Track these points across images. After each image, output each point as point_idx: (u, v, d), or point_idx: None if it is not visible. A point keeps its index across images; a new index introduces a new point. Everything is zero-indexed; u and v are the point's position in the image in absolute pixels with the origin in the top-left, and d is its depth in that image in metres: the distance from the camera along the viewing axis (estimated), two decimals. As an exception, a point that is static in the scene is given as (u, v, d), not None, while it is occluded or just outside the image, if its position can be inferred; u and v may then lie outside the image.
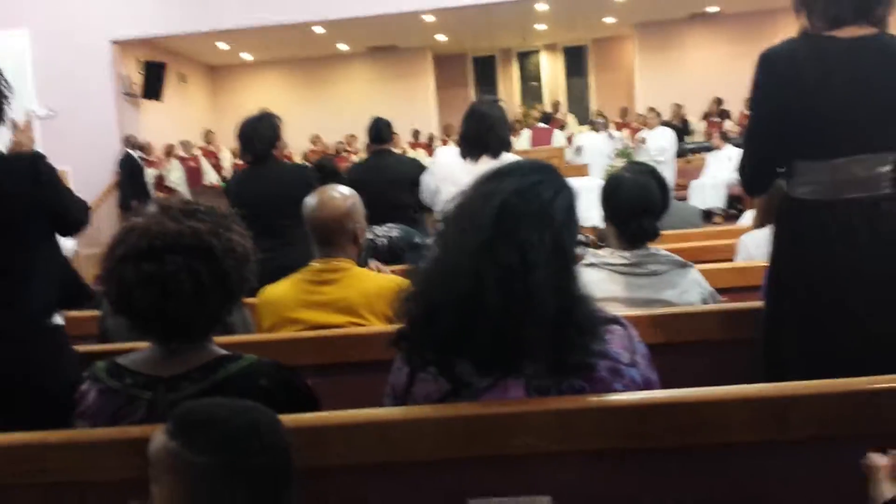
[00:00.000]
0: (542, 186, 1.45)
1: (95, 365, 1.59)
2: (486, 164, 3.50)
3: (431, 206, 3.83)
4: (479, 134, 3.54)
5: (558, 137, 12.12)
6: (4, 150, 2.25)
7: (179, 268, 1.44)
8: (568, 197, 1.48)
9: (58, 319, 2.19)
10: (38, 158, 2.16)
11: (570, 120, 14.87)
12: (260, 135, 3.76)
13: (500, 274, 1.36)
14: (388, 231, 3.93)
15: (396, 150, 5.96)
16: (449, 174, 3.62)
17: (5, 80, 2.17)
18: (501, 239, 1.38)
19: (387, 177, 4.33)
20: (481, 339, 1.38)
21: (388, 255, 3.89)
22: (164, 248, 1.45)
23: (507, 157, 3.58)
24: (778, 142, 2.00)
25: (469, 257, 1.39)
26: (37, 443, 1.47)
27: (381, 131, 4.76)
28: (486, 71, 17.44)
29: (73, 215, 2.25)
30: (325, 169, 5.84)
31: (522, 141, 12.54)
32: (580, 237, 1.53)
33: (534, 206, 1.42)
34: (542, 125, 12.31)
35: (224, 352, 1.59)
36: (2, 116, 2.17)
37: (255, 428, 1.23)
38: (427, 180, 3.71)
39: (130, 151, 11.18)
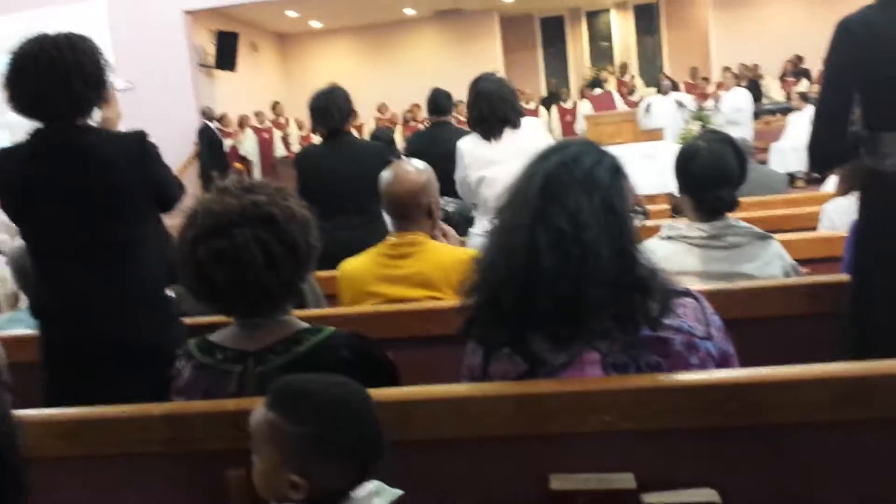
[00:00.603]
0: (584, 156, 1.48)
1: (188, 342, 1.67)
2: (511, 137, 3.48)
3: (471, 199, 3.75)
4: (494, 109, 3.50)
5: (620, 101, 11.88)
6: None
7: (248, 239, 1.51)
8: (611, 162, 1.49)
9: (167, 292, 2.29)
10: (144, 137, 2.24)
11: (638, 82, 14.51)
12: (337, 108, 3.79)
13: (553, 238, 1.39)
14: (444, 204, 3.94)
15: (461, 120, 5.90)
16: (477, 159, 3.55)
17: (105, 59, 2.23)
18: (550, 207, 1.41)
19: (443, 149, 4.31)
20: (543, 305, 1.40)
21: (444, 229, 3.91)
22: (230, 223, 1.52)
23: (527, 123, 3.55)
24: (848, 117, 1.94)
25: (522, 231, 1.42)
26: (141, 415, 1.56)
27: (438, 103, 4.73)
28: (553, 32, 17.12)
29: (173, 192, 2.33)
30: (382, 139, 5.89)
31: (585, 107, 12.34)
32: (637, 207, 1.53)
33: (577, 172, 1.44)
34: (597, 91, 12.03)
35: (305, 325, 1.66)
36: (106, 95, 2.24)
37: (346, 401, 1.30)
38: (461, 175, 3.63)
39: (208, 122, 11.45)
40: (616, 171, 1.48)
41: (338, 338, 1.62)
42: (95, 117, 2.32)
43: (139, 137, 2.23)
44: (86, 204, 2.13)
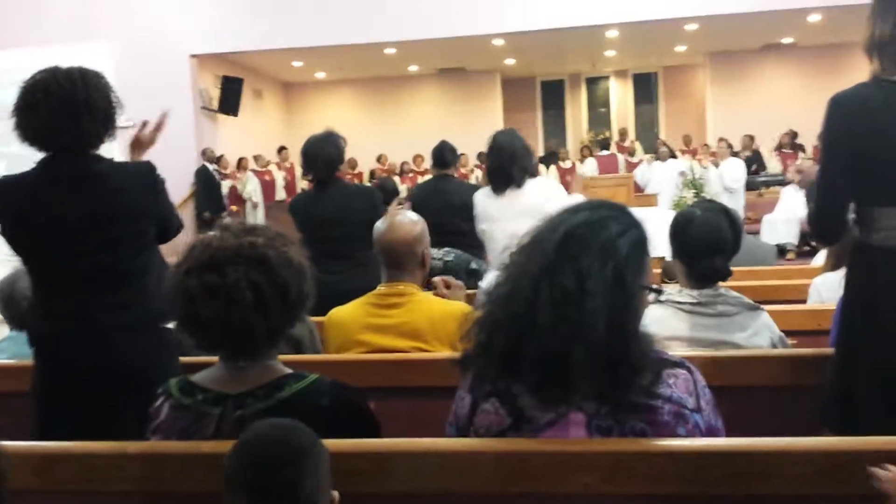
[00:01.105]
0: (612, 221, 1.47)
1: (168, 382, 1.66)
2: (512, 196, 3.53)
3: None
4: (503, 165, 3.58)
5: (622, 162, 12.05)
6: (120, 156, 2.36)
7: (239, 277, 1.51)
8: (637, 236, 1.48)
9: (166, 323, 2.27)
10: (152, 166, 2.28)
11: (638, 147, 14.76)
12: (325, 154, 3.80)
13: (555, 296, 1.38)
14: (443, 255, 3.97)
15: (462, 173, 5.96)
16: (482, 212, 3.67)
17: (116, 95, 2.26)
18: (562, 263, 1.41)
19: (446, 201, 4.36)
20: (531, 357, 1.39)
21: (443, 279, 3.94)
22: (225, 260, 1.52)
23: (532, 184, 3.60)
24: (848, 191, 1.97)
25: (530, 279, 1.42)
26: (116, 452, 1.54)
27: (443, 155, 4.79)
28: (553, 95, 17.44)
29: (174, 223, 2.37)
30: (386, 189, 5.94)
31: (589, 167, 12.51)
32: (652, 285, 1.52)
33: (600, 237, 1.43)
34: (604, 152, 12.23)
35: (288, 370, 1.65)
36: (114, 131, 2.26)
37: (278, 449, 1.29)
38: (477, 224, 3.77)
39: (206, 164, 11.52)
40: (639, 245, 1.47)
41: (321, 385, 1.61)
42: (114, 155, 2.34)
43: (149, 167, 2.27)
44: (94, 231, 2.14)
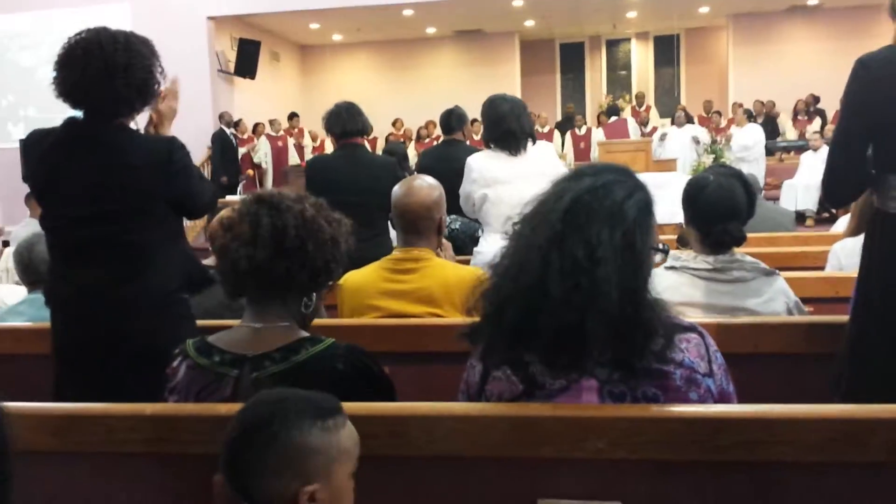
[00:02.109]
0: (616, 186, 1.45)
1: (186, 342, 1.68)
2: (520, 158, 3.47)
3: (471, 215, 3.73)
4: (522, 125, 3.50)
5: (634, 129, 11.88)
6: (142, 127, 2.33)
7: (261, 213, 1.63)
8: (643, 198, 1.47)
9: (182, 294, 2.28)
10: (174, 145, 2.21)
11: (653, 114, 14.49)
12: (353, 116, 3.87)
13: (566, 266, 1.38)
14: (450, 222, 3.95)
15: (474, 140, 5.92)
16: (483, 176, 3.52)
17: (161, 67, 2.23)
18: (570, 233, 1.40)
19: (453, 167, 4.32)
20: (545, 332, 1.40)
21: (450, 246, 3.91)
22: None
23: (539, 147, 3.56)
24: (864, 154, 1.94)
25: (538, 251, 1.41)
26: (132, 413, 1.56)
27: (449, 121, 4.76)
28: (573, 58, 17.22)
29: (201, 201, 2.31)
30: (394, 154, 5.92)
31: (599, 134, 12.37)
32: (659, 245, 1.51)
33: (606, 203, 1.42)
34: (613, 118, 12.06)
35: (305, 334, 1.67)
36: (152, 102, 2.24)
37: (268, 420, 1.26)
38: (468, 190, 3.59)
39: (224, 128, 11.52)
40: (645, 208, 1.46)
41: (336, 349, 1.63)
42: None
43: (167, 147, 2.20)
44: (102, 199, 2.13)
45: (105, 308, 2.15)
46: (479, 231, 3.93)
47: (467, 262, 3.24)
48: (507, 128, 3.50)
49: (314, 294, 1.71)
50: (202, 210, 2.37)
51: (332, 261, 1.68)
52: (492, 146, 3.55)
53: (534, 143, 3.54)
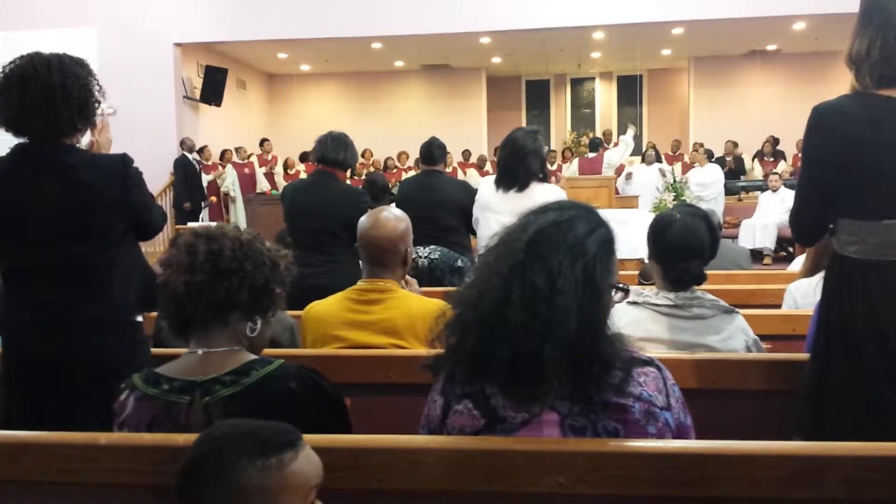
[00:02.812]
0: (580, 221, 1.49)
1: (131, 376, 1.65)
2: (514, 196, 3.52)
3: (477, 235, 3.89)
4: (509, 164, 3.57)
5: (609, 157, 12.01)
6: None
7: (203, 248, 1.63)
8: (605, 235, 1.50)
9: (137, 317, 2.27)
10: (127, 162, 2.22)
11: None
12: (336, 146, 3.90)
13: (526, 294, 1.40)
14: (429, 252, 3.97)
15: (447, 171, 5.98)
16: (486, 204, 3.66)
17: (99, 84, 2.24)
18: (532, 262, 1.42)
19: (433, 198, 4.34)
20: (502, 358, 1.40)
21: (429, 276, 3.91)
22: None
23: (538, 190, 3.58)
24: (828, 198, 2.00)
25: (500, 278, 1.43)
26: (87, 443, 1.52)
27: (431, 152, 4.78)
28: (538, 95, 17.49)
29: (153, 220, 2.32)
30: (375, 185, 5.92)
31: (572, 169, 12.50)
32: (620, 284, 1.54)
33: (568, 236, 1.45)
34: (591, 154, 12.22)
35: (254, 356, 1.66)
36: (93, 120, 2.24)
37: (204, 459, 1.24)
38: (473, 211, 3.76)
39: (186, 154, 11.44)
40: (606, 244, 1.49)
41: (287, 369, 1.63)
42: (84, 140, 2.31)
43: (121, 160, 2.22)
44: (59, 223, 2.11)
45: (59, 332, 2.12)
46: (459, 261, 3.95)
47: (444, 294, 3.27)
48: (500, 161, 3.59)
49: (258, 318, 1.70)
50: (155, 226, 2.35)
51: (272, 281, 1.68)
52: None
53: (521, 188, 3.55)
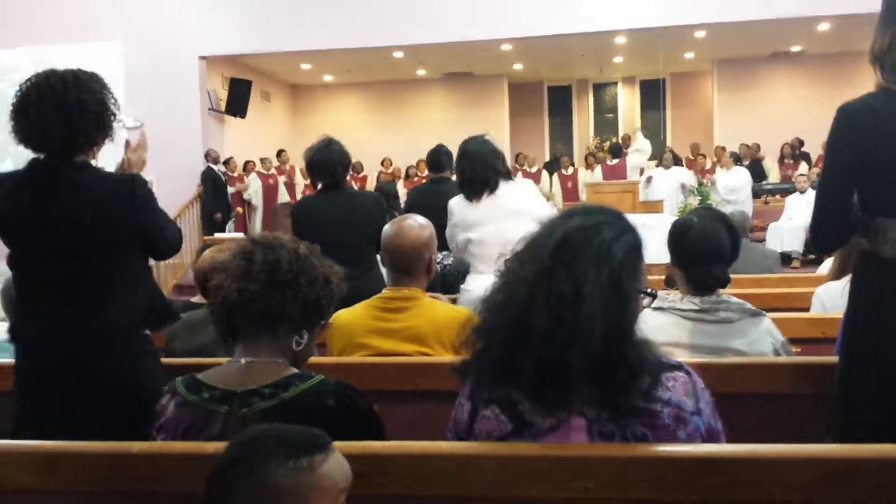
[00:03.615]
0: (606, 227, 1.48)
1: (174, 380, 1.68)
2: (489, 201, 3.51)
3: (459, 254, 3.76)
4: (476, 171, 3.53)
5: (632, 160, 11.96)
6: (111, 167, 2.36)
7: (246, 248, 1.70)
8: (631, 240, 1.49)
9: (143, 331, 2.29)
10: (137, 182, 2.24)
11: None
12: (343, 160, 3.87)
13: (552, 301, 1.39)
14: (442, 258, 3.97)
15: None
16: (461, 220, 3.60)
17: (114, 97, 2.27)
18: (558, 269, 1.42)
19: (441, 204, 4.35)
20: (527, 366, 1.40)
21: (441, 283, 3.91)
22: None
23: (506, 187, 3.56)
24: (850, 201, 1.97)
25: (526, 285, 1.43)
26: (119, 452, 1.55)
27: (438, 159, 4.79)
28: (560, 101, 17.44)
29: (166, 241, 2.32)
30: (386, 193, 5.95)
31: (596, 175, 12.47)
32: (647, 289, 1.53)
33: (594, 242, 1.44)
34: (613, 161, 12.17)
35: (295, 370, 1.67)
36: (111, 133, 2.26)
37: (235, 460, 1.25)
38: (451, 233, 3.66)
39: (212, 166, 11.56)
40: (633, 249, 1.48)
41: (326, 385, 1.64)
42: (111, 156, 2.34)
43: (131, 180, 2.24)
44: (68, 237, 2.14)
45: (68, 343, 2.15)
46: (471, 268, 3.94)
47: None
48: (461, 174, 3.57)
49: (305, 332, 1.71)
50: (168, 247, 2.35)
51: (323, 298, 1.71)
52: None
53: (493, 189, 3.51)
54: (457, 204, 3.63)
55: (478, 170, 3.52)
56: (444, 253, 4.00)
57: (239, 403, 1.59)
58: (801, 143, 13.09)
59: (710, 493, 1.40)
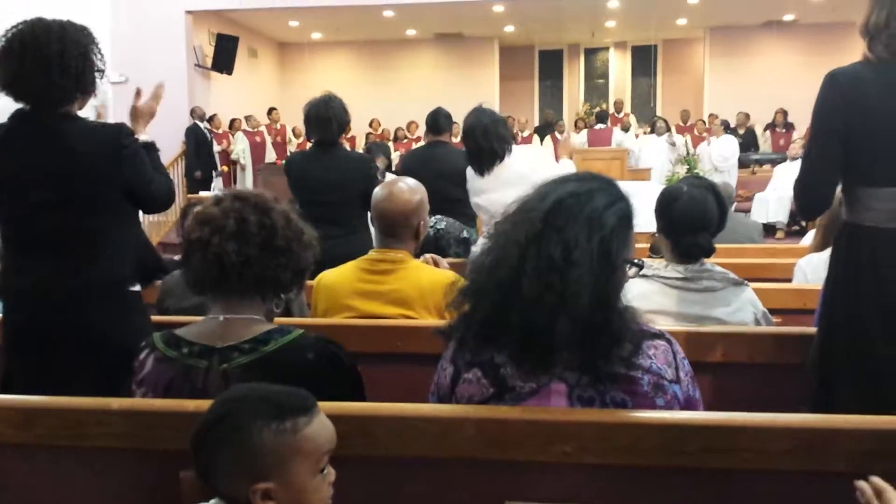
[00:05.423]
0: (599, 193, 1.48)
1: (153, 335, 1.67)
2: (501, 167, 3.50)
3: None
4: (480, 145, 3.52)
5: (618, 137, 11.95)
6: (92, 116, 2.32)
7: (229, 208, 1.64)
8: (623, 209, 1.49)
9: (132, 287, 2.27)
10: (123, 132, 2.21)
11: (633, 120, 14.62)
12: (337, 120, 3.83)
13: (541, 264, 1.40)
14: (435, 222, 3.97)
15: (455, 142, 5.96)
16: (473, 186, 3.64)
17: (101, 53, 2.23)
18: (549, 233, 1.42)
19: (437, 168, 4.32)
20: (514, 328, 1.41)
21: (434, 247, 3.91)
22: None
23: (517, 153, 3.58)
24: (837, 164, 1.97)
25: (516, 247, 1.43)
26: (99, 408, 1.54)
27: (437, 122, 4.75)
28: (551, 65, 17.31)
29: (152, 193, 2.28)
30: (383, 152, 5.90)
31: (581, 139, 12.45)
32: (635, 260, 1.53)
33: (587, 208, 1.44)
34: (599, 126, 12.14)
35: (273, 325, 1.67)
36: (93, 89, 2.22)
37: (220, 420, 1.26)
38: (470, 196, 3.76)
39: (198, 122, 11.43)
40: (624, 218, 1.48)
41: (305, 340, 1.64)
42: (95, 105, 2.31)
43: (117, 131, 2.20)
44: (52, 190, 2.12)
45: (58, 298, 2.14)
46: (465, 232, 3.95)
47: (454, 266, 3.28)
48: (468, 148, 3.56)
49: (284, 295, 1.73)
50: (157, 200, 2.32)
51: (311, 263, 1.72)
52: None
53: (503, 158, 3.53)
54: (469, 172, 3.68)
55: (482, 143, 3.51)
56: (438, 217, 4.00)
57: (219, 359, 1.59)
58: (786, 113, 13.05)
59: (687, 460, 1.41)
